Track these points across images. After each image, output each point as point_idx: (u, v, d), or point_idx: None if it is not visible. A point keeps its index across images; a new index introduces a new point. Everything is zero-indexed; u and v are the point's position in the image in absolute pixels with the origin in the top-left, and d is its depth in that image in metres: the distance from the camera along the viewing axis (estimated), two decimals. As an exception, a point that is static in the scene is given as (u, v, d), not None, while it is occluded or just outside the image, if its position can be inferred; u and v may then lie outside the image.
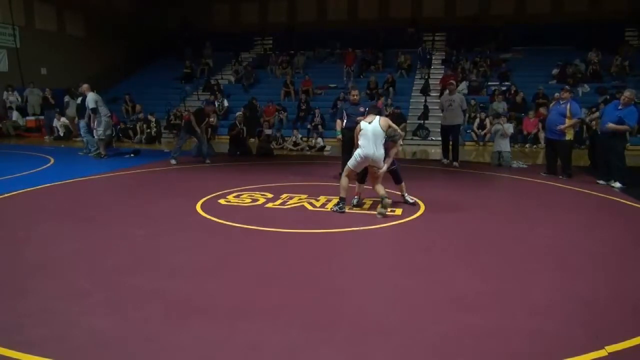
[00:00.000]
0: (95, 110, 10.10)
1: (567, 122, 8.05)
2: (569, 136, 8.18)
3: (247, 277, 3.76)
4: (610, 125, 7.39)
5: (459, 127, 9.71)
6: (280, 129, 13.85)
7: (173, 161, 9.57)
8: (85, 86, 10.58)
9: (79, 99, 11.00)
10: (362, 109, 7.62)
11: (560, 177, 8.13)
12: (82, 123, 10.75)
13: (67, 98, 14.46)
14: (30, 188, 6.94)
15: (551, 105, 9.06)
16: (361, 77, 17.24)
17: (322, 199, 6.43)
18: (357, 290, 3.49)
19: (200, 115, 10.01)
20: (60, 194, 6.82)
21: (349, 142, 7.69)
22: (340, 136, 7.91)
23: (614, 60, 15.78)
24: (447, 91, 9.99)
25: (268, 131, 12.97)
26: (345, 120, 7.73)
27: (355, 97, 7.91)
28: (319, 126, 14.08)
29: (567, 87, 9.16)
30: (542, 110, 12.64)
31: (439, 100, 11.76)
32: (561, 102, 8.26)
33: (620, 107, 7.40)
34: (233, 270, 3.92)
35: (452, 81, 10.88)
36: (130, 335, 2.79)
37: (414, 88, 16.71)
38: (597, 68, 15.71)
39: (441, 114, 10.05)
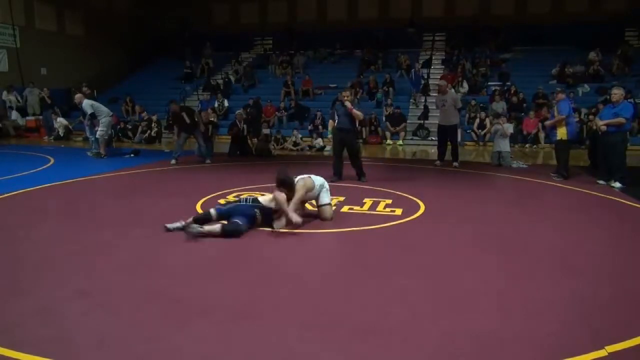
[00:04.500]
0: (93, 115, 10.29)
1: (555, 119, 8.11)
2: (560, 136, 8.12)
3: (247, 277, 3.76)
4: (604, 121, 7.45)
5: (456, 127, 9.61)
6: (280, 130, 13.86)
7: (173, 161, 9.58)
8: (78, 96, 10.82)
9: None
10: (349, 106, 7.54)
11: (553, 176, 8.11)
12: (88, 123, 10.83)
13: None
14: (30, 188, 6.94)
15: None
16: (361, 77, 17.24)
17: (322, 199, 6.41)
18: (356, 290, 3.48)
19: (177, 117, 9.88)
20: (60, 194, 6.82)
21: (340, 144, 7.71)
22: (330, 136, 8.01)
23: (613, 60, 15.79)
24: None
25: (266, 131, 12.97)
26: (337, 121, 7.68)
27: (346, 97, 7.73)
28: (319, 127, 14.09)
29: (558, 88, 9.23)
30: (544, 112, 12.66)
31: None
32: (555, 104, 8.40)
33: (614, 106, 7.47)
34: (233, 270, 3.92)
35: (441, 81, 10.81)
36: (130, 335, 2.79)
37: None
38: (597, 68, 15.72)
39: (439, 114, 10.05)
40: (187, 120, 9.78)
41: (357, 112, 7.55)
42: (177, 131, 10.11)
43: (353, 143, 7.83)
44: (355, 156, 7.83)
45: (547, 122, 8.19)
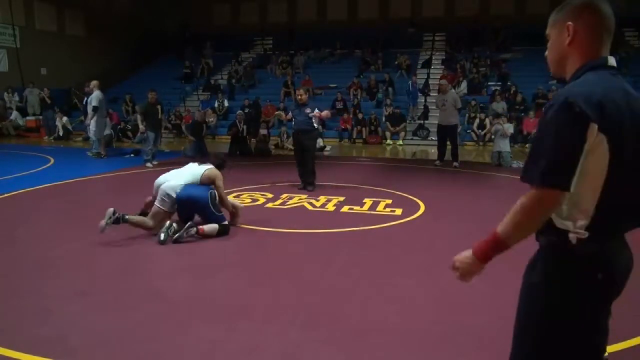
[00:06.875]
0: (96, 109, 10.15)
1: None
2: None
3: (247, 277, 3.77)
4: None
5: (455, 127, 9.61)
6: (280, 130, 13.84)
7: (149, 164, 9.20)
8: (94, 82, 10.42)
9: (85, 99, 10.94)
10: (308, 110, 6.96)
11: None
12: (89, 123, 10.75)
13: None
14: (30, 188, 6.94)
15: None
16: (361, 77, 17.25)
17: (322, 199, 6.42)
18: (356, 290, 3.49)
19: (152, 107, 9.53)
20: (60, 194, 6.82)
21: (299, 147, 7.08)
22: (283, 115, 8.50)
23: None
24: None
25: (264, 131, 12.97)
26: (294, 123, 7.14)
27: (300, 97, 7.09)
28: (320, 127, 14.05)
29: (553, 87, 9.10)
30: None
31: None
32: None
33: None
34: (233, 270, 3.92)
35: (442, 81, 10.77)
36: (130, 335, 2.79)
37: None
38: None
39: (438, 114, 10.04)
40: (159, 115, 9.55)
41: (326, 114, 7.11)
42: (142, 121, 9.54)
43: (308, 144, 7.01)
44: (307, 157, 7.00)
45: None
